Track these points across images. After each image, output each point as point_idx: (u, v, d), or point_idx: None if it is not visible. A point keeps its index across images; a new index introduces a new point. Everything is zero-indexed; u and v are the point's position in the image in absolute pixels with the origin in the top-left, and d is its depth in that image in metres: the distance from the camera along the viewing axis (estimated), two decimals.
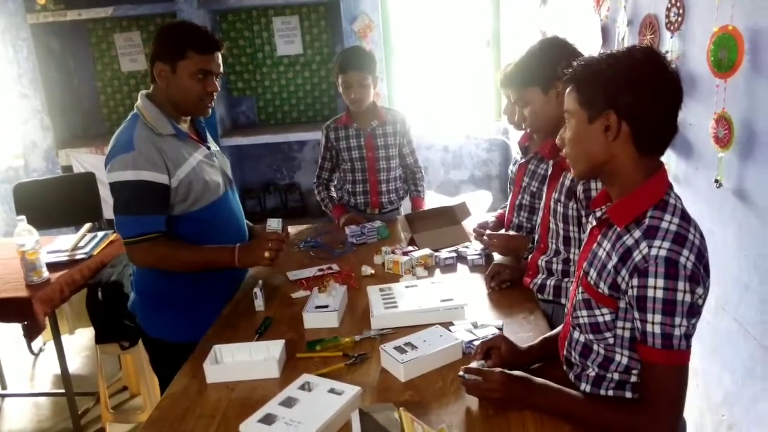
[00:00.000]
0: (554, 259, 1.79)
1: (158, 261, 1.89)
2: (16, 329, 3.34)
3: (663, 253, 1.12)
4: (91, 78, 4.96)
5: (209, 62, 1.88)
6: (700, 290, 1.14)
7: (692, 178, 1.88)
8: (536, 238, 1.90)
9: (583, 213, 1.67)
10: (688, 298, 1.12)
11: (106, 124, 5.04)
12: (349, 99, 2.70)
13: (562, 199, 1.71)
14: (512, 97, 1.84)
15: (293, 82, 4.89)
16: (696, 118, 1.80)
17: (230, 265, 1.92)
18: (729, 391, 1.80)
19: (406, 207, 3.01)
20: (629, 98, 1.17)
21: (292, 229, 2.66)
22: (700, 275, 1.14)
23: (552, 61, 1.66)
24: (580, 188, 1.65)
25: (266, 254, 1.90)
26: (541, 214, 1.86)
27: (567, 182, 1.70)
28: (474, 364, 1.39)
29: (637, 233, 1.18)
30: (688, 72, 1.82)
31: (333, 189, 2.98)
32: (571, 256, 1.76)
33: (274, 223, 2.20)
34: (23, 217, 2.63)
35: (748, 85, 1.57)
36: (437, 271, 2.18)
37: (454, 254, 2.24)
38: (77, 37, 4.85)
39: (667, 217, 1.17)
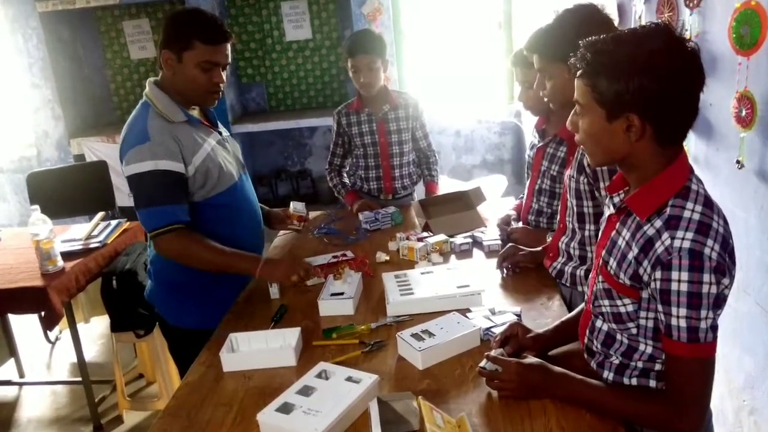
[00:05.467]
0: (572, 243, 1.77)
1: (180, 255, 1.86)
2: (33, 318, 3.37)
3: (687, 244, 1.09)
4: (101, 66, 4.96)
5: (216, 53, 1.84)
6: (726, 280, 1.11)
7: (713, 159, 1.84)
8: (558, 218, 1.88)
9: (594, 186, 1.63)
10: (714, 289, 1.09)
11: (117, 112, 5.05)
12: (359, 83, 2.67)
13: (575, 174, 1.68)
14: (536, 64, 1.76)
15: (303, 68, 4.86)
16: (717, 97, 1.76)
17: (248, 274, 1.90)
18: (750, 375, 1.77)
19: (419, 192, 2.98)
20: (653, 99, 1.10)
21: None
22: (725, 265, 1.10)
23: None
24: (586, 162, 1.61)
25: (293, 277, 1.86)
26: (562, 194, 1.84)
27: (579, 156, 1.67)
28: (493, 353, 1.38)
29: (658, 223, 1.14)
30: (709, 50, 1.77)
31: (345, 175, 2.96)
32: (586, 233, 1.73)
33: (298, 206, 2.22)
34: (37, 206, 2.63)
35: None
36: (453, 257, 2.17)
37: (470, 240, 2.22)
38: (86, 25, 4.84)
39: (689, 205, 1.13)
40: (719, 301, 1.11)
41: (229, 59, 1.89)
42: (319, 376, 1.44)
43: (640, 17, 2.21)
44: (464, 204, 2.47)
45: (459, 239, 2.22)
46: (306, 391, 1.38)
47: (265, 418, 1.31)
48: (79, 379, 2.94)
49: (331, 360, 1.53)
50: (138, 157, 1.79)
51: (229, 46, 1.88)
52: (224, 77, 1.89)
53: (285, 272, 1.87)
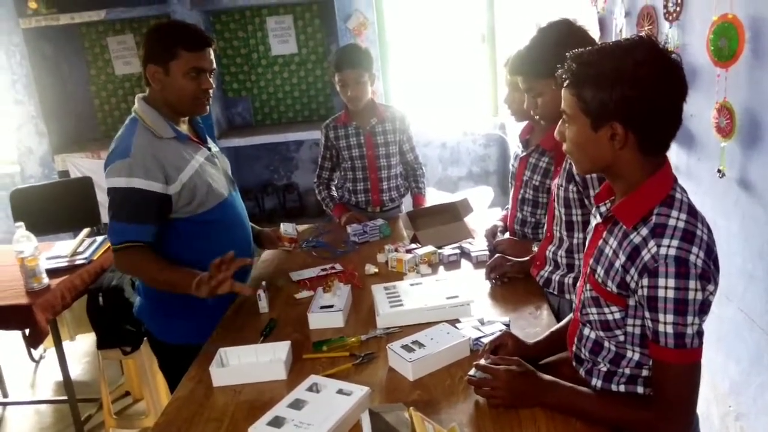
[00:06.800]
0: (559, 251, 1.79)
1: (131, 270, 1.94)
2: (16, 337, 3.33)
3: (672, 252, 1.11)
4: (85, 82, 4.93)
5: (201, 59, 1.86)
6: (711, 287, 1.13)
7: (695, 168, 1.88)
8: (544, 227, 1.90)
9: (583, 194, 1.66)
10: (699, 296, 1.11)
11: (101, 128, 5.02)
12: (347, 97, 2.69)
13: (563, 183, 1.70)
14: (522, 85, 1.79)
15: (289, 82, 4.87)
16: (697, 108, 1.79)
17: (187, 291, 1.80)
18: (735, 380, 1.79)
19: (407, 204, 3.00)
20: (636, 109, 1.13)
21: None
22: (710, 272, 1.12)
23: (567, 52, 1.61)
24: (575, 170, 1.64)
25: (211, 283, 1.74)
26: (548, 202, 1.86)
27: (567, 165, 1.69)
28: (482, 362, 1.39)
29: (644, 231, 1.16)
30: (689, 62, 1.81)
31: (334, 188, 2.97)
32: (575, 241, 1.75)
33: (289, 228, 2.27)
34: (21, 223, 2.61)
35: (750, 74, 1.56)
36: (441, 268, 2.18)
37: (458, 251, 2.24)
38: (70, 41, 4.82)
39: (674, 213, 1.15)
40: (705, 307, 1.13)
41: (214, 65, 1.92)
42: (310, 389, 1.43)
43: (621, 31, 2.25)
44: (452, 216, 2.49)
45: (447, 250, 2.23)
46: (297, 405, 1.38)
47: None
48: (65, 397, 2.89)
49: (322, 373, 1.53)
50: (115, 171, 1.82)
51: (211, 51, 1.90)
52: (212, 83, 1.92)
53: (210, 287, 1.76)
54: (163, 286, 1.88)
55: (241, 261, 1.78)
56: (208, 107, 1.94)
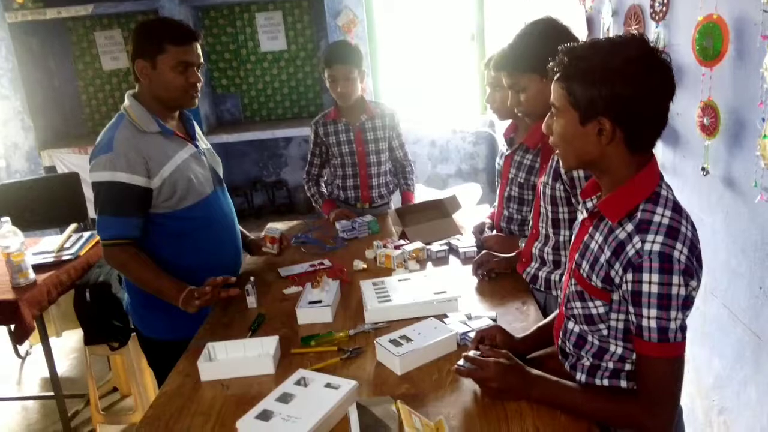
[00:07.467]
0: (545, 248, 1.80)
1: (120, 267, 1.93)
2: (2, 333, 3.30)
3: (657, 247, 1.12)
4: (72, 77, 4.90)
5: (188, 53, 1.87)
6: (693, 282, 1.14)
7: (679, 166, 1.90)
8: (530, 225, 1.91)
9: (571, 193, 1.67)
10: (682, 291, 1.12)
11: (88, 123, 4.99)
12: (336, 93, 2.70)
13: (550, 181, 1.72)
14: (506, 81, 1.79)
15: (278, 78, 4.87)
16: (682, 107, 1.82)
17: (173, 302, 1.85)
18: (719, 375, 1.82)
19: (396, 201, 3.01)
20: (625, 105, 1.14)
21: (281, 225, 2.70)
22: (693, 268, 1.14)
23: (551, 47, 1.62)
24: (563, 169, 1.65)
25: (196, 302, 1.81)
26: (534, 200, 1.87)
27: (554, 164, 1.70)
28: (471, 354, 1.40)
29: (629, 227, 1.17)
30: (674, 61, 1.82)
31: (323, 184, 2.97)
32: (561, 239, 1.76)
33: (272, 230, 2.26)
34: (7, 218, 2.59)
35: (734, 74, 1.58)
36: (429, 264, 2.19)
37: (446, 247, 2.25)
38: (57, 35, 4.78)
39: (659, 210, 1.16)
40: (688, 303, 1.15)
41: (201, 59, 1.93)
42: (298, 383, 1.44)
43: (608, 30, 2.27)
44: (440, 212, 2.50)
45: (435, 246, 2.25)
46: (285, 398, 1.38)
47: (245, 426, 1.31)
48: (51, 393, 2.88)
49: (310, 367, 1.54)
50: (98, 166, 1.83)
51: (198, 46, 1.91)
52: (200, 76, 1.92)
53: (193, 302, 1.83)
54: (149, 290, 1.89)
55: (226, 278, 1.87)
56: (196, 100, 1.95)
